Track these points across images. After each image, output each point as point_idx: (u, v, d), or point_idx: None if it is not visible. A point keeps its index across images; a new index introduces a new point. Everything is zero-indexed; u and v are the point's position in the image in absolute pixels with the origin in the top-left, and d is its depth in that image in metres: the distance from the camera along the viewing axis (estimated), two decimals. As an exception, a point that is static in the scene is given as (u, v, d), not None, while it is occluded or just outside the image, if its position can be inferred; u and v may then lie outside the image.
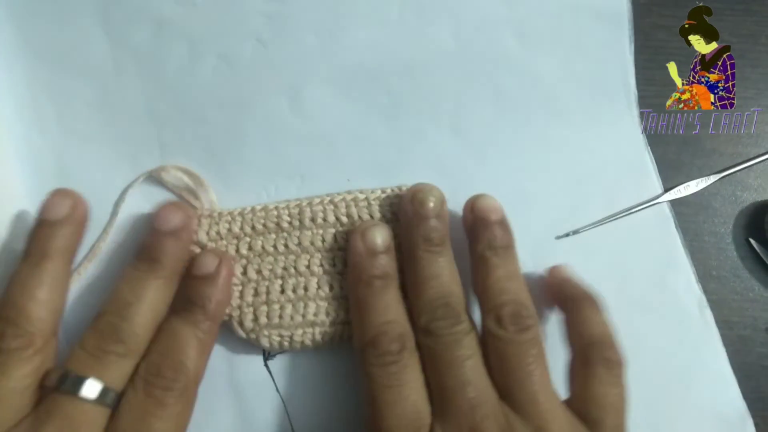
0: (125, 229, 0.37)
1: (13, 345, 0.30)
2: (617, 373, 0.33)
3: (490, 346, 0.32)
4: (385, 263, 0.34)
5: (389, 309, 0.33)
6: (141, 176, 0.37)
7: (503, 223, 0.35)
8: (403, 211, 0.35)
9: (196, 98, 0.38)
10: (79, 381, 0.30)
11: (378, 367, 0.31)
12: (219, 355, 0.37)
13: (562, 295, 0.36)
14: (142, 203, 0.37)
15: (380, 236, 0.34)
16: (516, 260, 0.35)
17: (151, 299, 0.32)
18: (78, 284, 0.36)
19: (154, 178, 0.38)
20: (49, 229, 0.33)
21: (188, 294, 0.33)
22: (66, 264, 0.33)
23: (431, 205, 0.34)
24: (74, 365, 0.30)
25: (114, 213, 0.37)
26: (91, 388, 0.30)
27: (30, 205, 0.37)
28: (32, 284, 0.31)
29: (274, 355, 0.37)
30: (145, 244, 0.34)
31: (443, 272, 0.33)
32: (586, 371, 0.33)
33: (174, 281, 0.34)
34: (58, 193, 0.33)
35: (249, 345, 0.36)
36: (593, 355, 0.33)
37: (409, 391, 0.31)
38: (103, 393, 0.30)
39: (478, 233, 0.34)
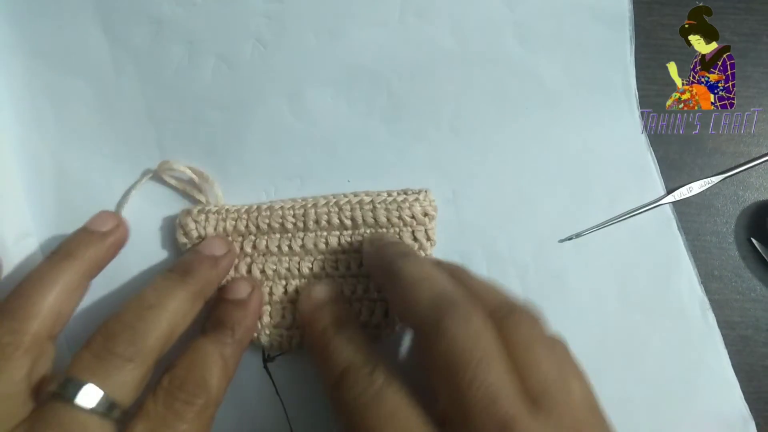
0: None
1: (4, 340, 0.28)
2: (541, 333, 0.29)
3: None
4: (335, 310, 0.33)
5: (351, 342, 0.31)
6: (145, 175, 0.37)
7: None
8: (366, 256, 0.35)
9: (196, 99, 0.38)
10: (77, 386, 0.28)
11: (354, 399, 0.28)
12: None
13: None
14: (142, 204, 0.37)
15: (322, 289, 0.34)
16: None
17: (173, 308, 0.31)
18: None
19: (156, 177, 0.38)
20: (84, 236, 0.33)
21: (219, 316, 0.33)
22: (86, 273, 0.32)
23: (387, 236, 0.35)
24: (76, 368, 0.28)
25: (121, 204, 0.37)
26: (88, 396, 0.28)
27: (28, 205, 0.37)
28: (46, 280, 0.30)
29: (274, 357, 0.37)
30: (182, 259, 0.34)
31: (432, 273, 0.30)
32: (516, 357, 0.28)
33: (200, 301, 0.33)
34: (106, 212, 0.35)
35: (249, 346, 0.36)
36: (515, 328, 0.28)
37: (397, 411, 0.27)
38: (104, 403, 0.28)
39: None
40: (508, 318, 0.28)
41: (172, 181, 0.37)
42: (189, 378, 0.30)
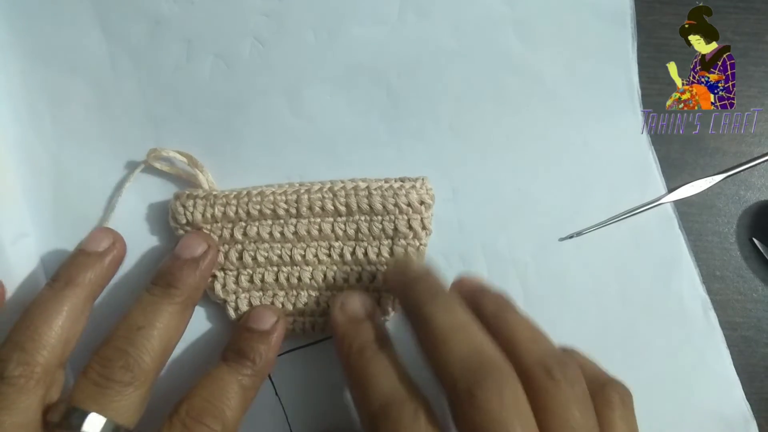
0: (119, 226, 0.36)
1: (15, 372, 0.28)
2: (632, 411, 0.30)
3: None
4: (373, 328, 0.32)
5: (390, 373, 0.29)
6: (137, 168, 0.37)
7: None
8: (392, 285, 0.34)
9: (194, 97, 0.38)
10: (82, 416, 0.28)
11: None
12: (217, 356, 0.36)
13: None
14: (135, 199, 0.37)
15: (359, 303, 0.33)
16: None
17: (163, 325, 0.31)
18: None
19: (148, 170, 0.37)
20: (82, 259, 0.32)
21: (240, 345, 0.33)
22: (89, 297, 0.32)
23: (414, 263, 0.33)
24: (78, 397, 0.29)
25: (110, 208, 0.37)
26: (93, 424, 0.28)
27: (26, 205, 0.37)
28: (51, 310, 0.30)
29: (273, 358, 0.37)
30: (162, 269, 0.33)
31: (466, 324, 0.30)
32: (604, 417, 0.29)
33: (189, 309, 0.33)
34: (102, 230, 0.34)
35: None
36: (611, 395, 0.30)
37: None
38: (110, 428, 0.28)
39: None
40: (545, 380, 0.28)
41: (166, 169, 0.37)
42: (206, 410, 0.30)
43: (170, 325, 0.31)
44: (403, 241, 0.35)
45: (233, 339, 0.34)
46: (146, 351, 0.30)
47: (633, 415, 0.31)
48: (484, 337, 0.29)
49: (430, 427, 0.27)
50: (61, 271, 0.32)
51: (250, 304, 0.36)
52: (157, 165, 0.37)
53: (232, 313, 0.36)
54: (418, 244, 0.36)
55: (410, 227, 0.35)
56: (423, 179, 0.36)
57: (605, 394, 0.30)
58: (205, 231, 0.35)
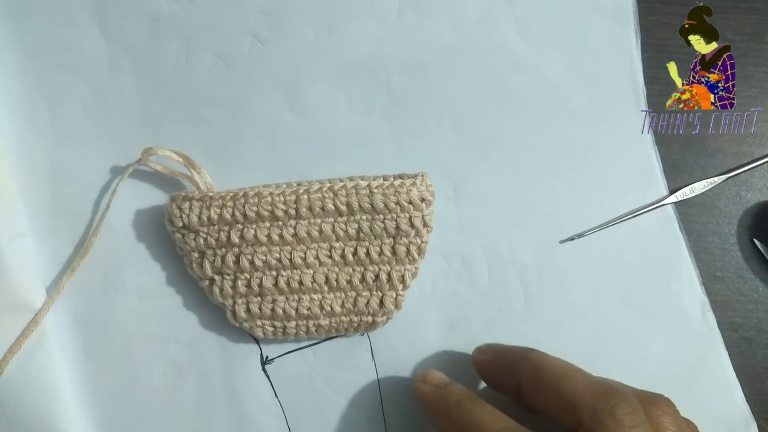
0: (116, 225, 0.37)
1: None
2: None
3: None
4: (460, 387, 0.33)
5: (497, 415, 0.31)
6: (131, 165, 0.36)
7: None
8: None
9: (193, 96, 0.38)
10: None
11: None
12: (216, 359, 0.36)
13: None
14: (132, 199, 0.37)
15: (439, 374, 0.34)
16: None
17: None
18: (71, 281, 0.36)
19: (146, 171, 0.37)
20: None
21: None
22: None
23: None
24: None
25: (105, 207, 0.36)
26: None
27: (23, 204, 0.36)
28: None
29: (272, 360, 0.37)
30: None
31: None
32: None
33: None
34: None
35: (247, 350, 0.36)
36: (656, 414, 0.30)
37: None
38: None
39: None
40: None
41: (160, 168, 0.37)
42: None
43: None
44: (405, 239, 0.35)
45: None
46: None
47: None
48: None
49: None
50: None
51: (248, 309, 0.35)
52: (152, 165, 0.36)
53: (231, 318, 0.35)
54: (419, 241, 0.35)
55: (412, 225, 0.35)
56: (422, 175, 0.36)
57: (651, 415, 0.30)
58: (202, 234, 0.35)
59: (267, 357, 0.37)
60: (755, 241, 0.39)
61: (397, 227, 0.35)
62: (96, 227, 0.36)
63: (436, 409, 0.33)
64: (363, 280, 0.35)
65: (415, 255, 0.35)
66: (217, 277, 0.35)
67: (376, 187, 0.35)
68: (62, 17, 0.37)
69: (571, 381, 0.31)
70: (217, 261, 0.35)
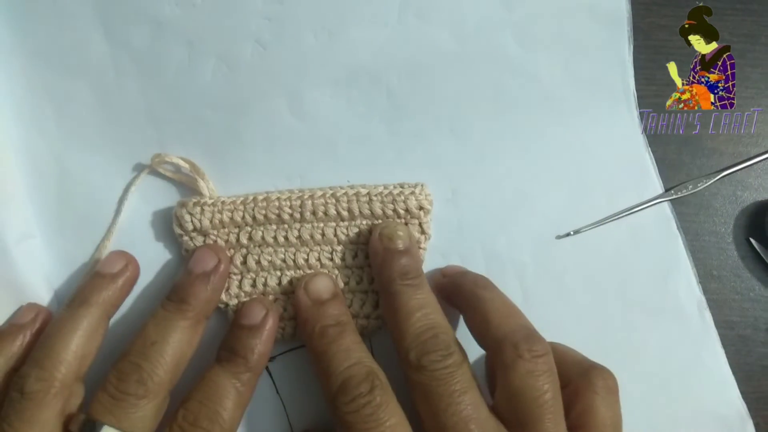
0: (125, 232, 0.37)
1: (35, 387, 0.30)
2: (616, 397, 0.32)
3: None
4: (335, 310, 0.34)
5: (350, 352, 0.32)
6: (142, 171, 0.37)
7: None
8: (373, 251, 0.35)
9: (196, 99, 0.38)
10: (97, 428, 0.30)
11: (352, 413, 0.30)
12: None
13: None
14: (141, 203, 0.38)
15: (323, 284, 0.34)
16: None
17: (175, 340, 0.32)
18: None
19: (154, 172, 0.38)
20: (97, 281, 0.34)
21: (231, 343, 0.33)
22: (103, 316, 0.33)
23: (400, 239, 0.34)
24: (95, 409, 0.31)
25: (117, 211, 0.37)
26: None
27: (30, 206, 0.37)
28: (67, 328, 0.32)
29: (274, 357, 0.37)
30: (176, 284, 0.34)
31: (426, 304, 0.33)
32: (586, 399, 0.31)
33: (201, 324, 0.34)
34: (116, 253, 0.36)
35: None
36: (594, 379, 0.32)
37: (391, 431, 0.30)
38: None
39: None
40: (510, 353, 0.31)
41: (169, 174, 0.37)
42: (202, 413, 0.31)
43: (182, 339, 0.33)
44: None
45: (225, 338, 0.34)
46: (159, 365, 0.31)
47: (617, 402, 0.32)
48: (442, 319, 0.32)
49: (386, 398, 0.30)
50: (77, 293, 0.34)
51: None
52: (161, 170, 0.37)
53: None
54: (417, 248, 0.36)
55: None
56: (422, 185, 0.37)
57: (588, 378, 0.32)
58: (212, 236, 0.36)
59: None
60: (751, 240, 0.40)
61: None
62: (109, 231, 0.37)
63: (302, 331, 0.34)
64: (360, 282, 0.36)
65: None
66: None
67: (376, 195, 0.36)
68: (66, 21, 0.38)
69: (407, 324, 0.32)
70: None
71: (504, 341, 0.31)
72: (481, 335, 0.33)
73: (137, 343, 0.32)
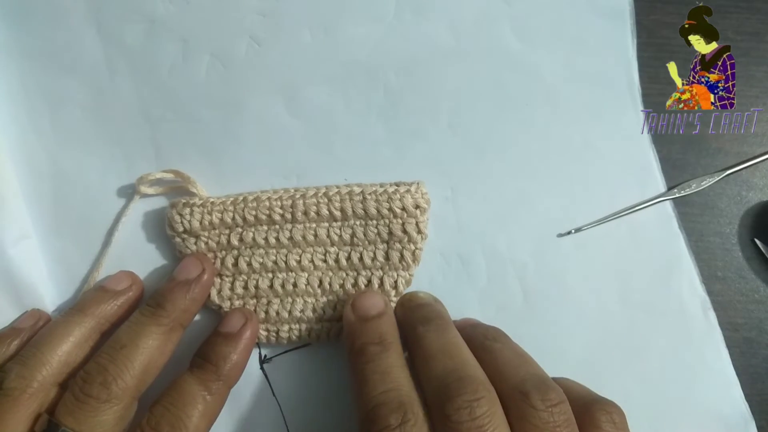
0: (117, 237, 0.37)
1: (14, 384, 0.30)
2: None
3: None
4: (380, 328, 0.32)
5: (387, 376, 0.30)
6: (131, 200, 0.37)
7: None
8: (398, 312, 0.35)
9: (191, 98, 0.38)
10: (55, 429, 0.29)
11: None
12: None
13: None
14: (139, 204, 0.37)
15: (370, 302, 0.34)
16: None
17: (146, 346, 0.32)
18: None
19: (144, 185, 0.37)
20: (98, 294, 0.34)
21: (205, 350, 0.33)
22: (97, 327, 0.34)
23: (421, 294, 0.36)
24: (59, 410, 0.30)
25: (115, 222, 0.37)
26: None
27: (26, 206, 0.37)
28: (57, 333, 0.32)
29: (270, 358, 0.37)
30: (157, 290, 0.34)
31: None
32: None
33: (177, 331, 0.34)
34: (124, 272, 0.36)
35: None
36: (597, 414, 0.30)
37: None
38: None
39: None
40: (523, 405, 0.29)
41: (159, 191, 0.37)
42: (165, 418, 0.31)
43: (154, 345, 0.32)
44: (398, 245, 0.35)
45: (201, 345, 0.34)
46: (126, 370, 0.31)
47: None
48: (468, 357, 0.31)
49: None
50: (78, 302, 0.34)
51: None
52: (150, 190, 0.37)
53: None
54: (413, 248, 0.36)
55: (405, 231, 0.35)
56: (418, 183, 0.36)
57: (591, 414, 0.30)
58: (203, 237, 0.36)
59: (265, 356, 0.37)
60: (756, 241, 0.39)
61: (390, 233, 0.35)
62: (106, 241, 0.37)
63: (346, 348, 0.33)
64: (355, 284, 0.36)
65: (409, 261, 0.35)
66: (216, 280, 0.36)
67: (370, 194, 0.35)
68: (59, 21, 0.38)
69: (430, 365, 0.30)
70: (216, 263, 0.36)
71: (515, 391, 0.29)
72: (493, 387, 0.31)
73: (107, 346, 0.32)
